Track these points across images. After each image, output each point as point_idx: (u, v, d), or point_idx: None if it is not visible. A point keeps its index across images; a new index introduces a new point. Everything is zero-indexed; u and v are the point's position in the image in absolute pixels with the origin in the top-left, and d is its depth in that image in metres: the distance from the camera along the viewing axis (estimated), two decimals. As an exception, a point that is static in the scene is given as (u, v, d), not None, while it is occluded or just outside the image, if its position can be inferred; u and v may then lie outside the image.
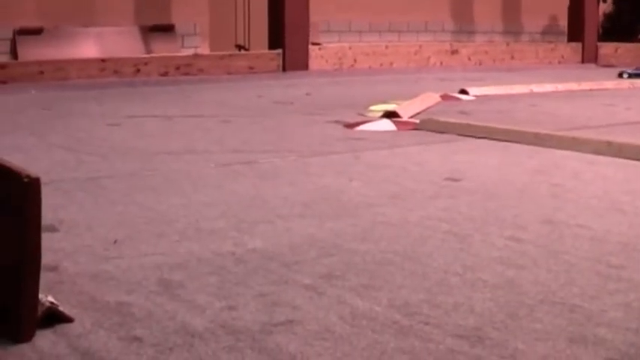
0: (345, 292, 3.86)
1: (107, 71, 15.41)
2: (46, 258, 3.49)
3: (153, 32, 17.11)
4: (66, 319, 3.42)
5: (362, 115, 10.24)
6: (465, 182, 6.32)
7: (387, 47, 19.12)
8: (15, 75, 14.52)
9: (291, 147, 7.90)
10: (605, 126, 9.51)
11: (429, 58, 19.48)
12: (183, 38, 17.66)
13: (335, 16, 19.56)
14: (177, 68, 16.06)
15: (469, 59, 20.03)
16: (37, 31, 15.84)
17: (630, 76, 16.96)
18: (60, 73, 14.91)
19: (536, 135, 8.20)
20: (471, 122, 9.11)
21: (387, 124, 9.34)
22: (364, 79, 15.81)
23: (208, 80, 15.21)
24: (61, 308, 3.44)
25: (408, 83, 14.65)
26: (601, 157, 7.32)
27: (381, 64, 18.68)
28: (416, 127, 9.17)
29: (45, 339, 3.27)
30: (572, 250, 4.56)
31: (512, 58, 20.56)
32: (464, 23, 21.65)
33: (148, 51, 16.77)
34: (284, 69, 17.12)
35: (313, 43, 18.00)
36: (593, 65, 20.61)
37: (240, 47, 18.40)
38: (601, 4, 22.15)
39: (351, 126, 9.33)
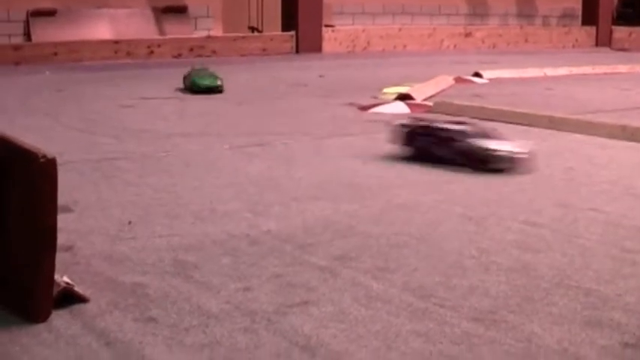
0: (360, 274, 3.86)
1: (120, 53, 15.41)
2: (61, 238, 3.49)
3: (166, 14, 17.08)
4: (81, 300, 3.43)
5: (375, 97, 10.22)
6: (479, 165, 6.31)
7: (400, 30, 19.08)
8: (29, 56, 14.53)
9: (305, 129, 7.90)
10: (620, 110, 9.47)
11: (442, 41, 19.43)
12: (196, 20, 17.63)
13: (348, -2, 19.50)
14: (191, 50, 16.06)
15: (483, 42, 19.97)
16: (50, 13, 15.84)
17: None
18: (73, 54, 14.92)
19: (550, 119, 8.18)
20: (485, 105, 9.08)
21: (401, 107, 9.33)
22: (377, 61, 15.78)
23: (221, 62, 15.20)
24: (76, 288, 3.45)
25: (422, 66, 14.62)
26: (615, 141, 7.30)
27: (395, 47, 18.63)
28: (430, 110, 9.15)
29: (60, 319, 3.28)
30: (587, 234, 4.56)
31: (526, 41, 20.49)
32: (478, 6, 21.56)
33: (161, 33, 16.76)
34: (297, 51, 17.09)
35: (326, 26, 17.95)
36: (607, 49, 20.53)
37: (253, 29, 18.38)
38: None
39: (364, 108, 9.32)
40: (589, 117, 8.39)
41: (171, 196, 5.31)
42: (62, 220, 3.63)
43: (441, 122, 6.59)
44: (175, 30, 16.86)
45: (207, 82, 10.69)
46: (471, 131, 6.22)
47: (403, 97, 9.78)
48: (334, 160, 6.44)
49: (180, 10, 17.29)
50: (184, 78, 10.96)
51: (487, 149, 6.01)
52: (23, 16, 15.69)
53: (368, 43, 18.36)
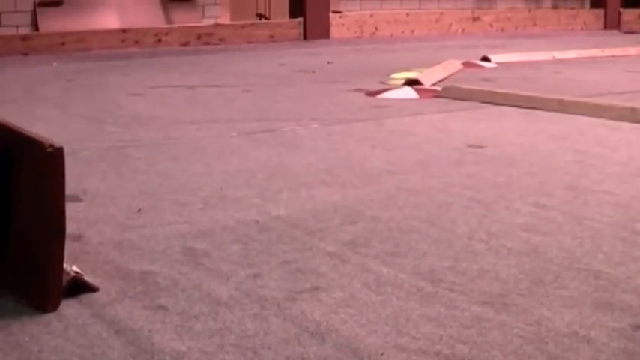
0: (370, 259, 3.85)
1: (128, 42, 15.40)
2: (70, 227, 3.49)
3: (173, 2, 17.05)
4: (91, 288, 3.44)
5: (384, 83, 10.20)
6: (489, 149, 6.30)
7: (408, 15, 19.02)
8: (36, 47, 14.53)
9: (314, 115, 7.89)
10: (629, 92, 9.44)
11: (450, 25, 19.37)
12: (204, 8, 17.60)
13: (356, -17, 19.45)
14: (199, 38, 16.04)
15: (491, 26, 19.91)
16: (57, 3, 15.82)
17: None
18: (81, 44, 14.91)
19: (560, 101, 8.15)
20: (494, 89, 9.06)
21: (409, 92, 9.31)
22: (385, 47, 15.74)
23: (229, 50, 15.18)
24: (85, 277, 3.45)
25: (430, 51, 14.58)
26: (625, 124, 7.28)
27: (403, 32, 18.58)
28: (438, 95, 9.13)
29: (70, 308, 3.28)
30: (597, 216, 4.54)
31: (535, 24, 20.41)
32: (485, -10, 21.49)
33: (169, 21, 16.74)
34: (305, 37, 17.05)
35: (334, 12, 17.91)
36: (615, 32, 20.44)
37: (261, 16, 18.35)
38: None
39: (373, 94, 9.30)
40: (598, 99, 8.36)
41: (181, 183, 5.31)
42: (71, 209, 3.64)
43: None
44: (183, 18, 16.84)
45: None
46: None
47: (411, 82, 9.76)
48: (343, 146, 6.43)
49: (188, -2, 17.27)
50: None
51: None
52: (30, 7, 15.68)
53: (376, 28, 18.31)
